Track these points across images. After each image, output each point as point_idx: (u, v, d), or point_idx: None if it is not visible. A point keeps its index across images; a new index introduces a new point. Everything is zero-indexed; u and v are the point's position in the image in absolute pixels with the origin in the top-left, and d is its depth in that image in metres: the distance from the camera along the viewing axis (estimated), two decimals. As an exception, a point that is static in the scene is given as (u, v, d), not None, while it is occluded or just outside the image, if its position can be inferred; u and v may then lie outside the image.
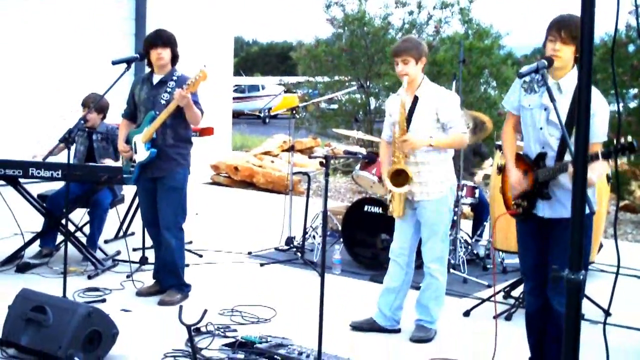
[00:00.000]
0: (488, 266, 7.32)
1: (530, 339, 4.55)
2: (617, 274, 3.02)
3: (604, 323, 3.39)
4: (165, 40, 5.98)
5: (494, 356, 4.59)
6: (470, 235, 7.82)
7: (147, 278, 6.45)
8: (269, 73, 47.94)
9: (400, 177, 5.20)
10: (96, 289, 6.18)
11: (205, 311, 4.82)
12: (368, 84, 12.06)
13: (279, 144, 16.89)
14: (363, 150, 7.82)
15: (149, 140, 5.85)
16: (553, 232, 4.23)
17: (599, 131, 4.10)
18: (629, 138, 3.57)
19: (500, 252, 7.44)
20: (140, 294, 6.14)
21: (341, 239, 7.43)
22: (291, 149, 7.96)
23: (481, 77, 11.75)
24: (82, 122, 6.73)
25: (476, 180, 7.62)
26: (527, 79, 4.31)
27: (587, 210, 4.00)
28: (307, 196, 7.82)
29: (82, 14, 11.90)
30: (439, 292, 5.38)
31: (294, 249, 7.59)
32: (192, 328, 4.59)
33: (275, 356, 4.72)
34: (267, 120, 34.38)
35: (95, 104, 6.91)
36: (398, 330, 5.47)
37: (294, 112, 7.77)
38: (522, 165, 4.36)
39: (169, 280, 6.07)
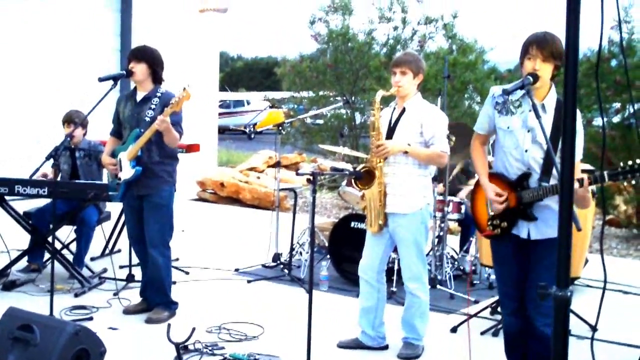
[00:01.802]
0: (474, 282, 7.34)
1: (510, 358, 4.52)
2: (604, 289, 3.03)
3: (592, 338, 3.42)
4: (137, 54, 5.97)
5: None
6: (457, 250, 7.84)
7: (134, 296, 6.43)
8: (254, 88, 47.98)
9: (369, 180, 5.21)
10: (83, 307, 6.16)
11: (194, 329, 4.82)
12: (353, 99, 12.09)
13: (265, 159, 16.89)
14: (349, 166, 7.83)
15: (134, 158, 5.84)
16: (535, 251, 4.18)
17: (580, 149, 4.12)
18: (638, 160, 3.59)
19: (487, 268, 7.49)
20: (127, 312, 6.12)
21: (328, 256, 7.42)
22: (277, 164, 7.96)
23: (465, 93, 11.80)
24: (69, 139, 6.78)
25: (460, 196, 7.64)
26: (501, 99, 4.29)
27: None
28: (294, 212, 7.82)
29: (66, 29, 11.88)
30: (422, 309, 5.37)
31: (281, 266, 7.58)
32: (180, 346, 4.56)
33: (264, 374, 4.73)
34: (252, 136, 34.39)
35: (82, 120, 6.91)
36: (386, 347, 5.47)
37: (280, 128, 7.76)
38: (501, 186, 4.26)
39: (156, 298, 6.05)
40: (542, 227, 4.13)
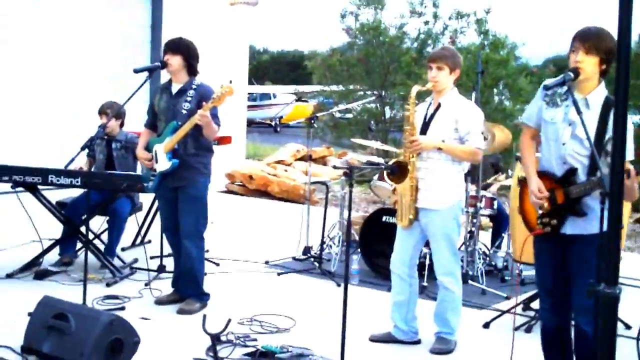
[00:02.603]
0: (506, 278, 7.30)
1: (548, 355, 4.47)
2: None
3: (638, 338, 3.38)
4: (173, 46, 5.98)
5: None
6: (489, 246, 7.79)
7: (165, 286, 6.45)
8: (280, 82, 48.03)
9: (402, 175, 5.18)
10: (115, 297, 6.18)
11: (229, 321, 4.82)
12: (383, 93, 12.06)
13: (292, 152, 16.91)
14: (381, 160, 7.82)
15: (170, 151, 5.85)
16: (573, 248, 4.12)
17: (629, 150, 4.04)
18: None
19: (519, 264, 7.44)
20: (159, 302, 6.14)
21: (359, 249, 7.41)
22: (309, 158, 7.93)
23: (496, 88, 11.73)
24: (102, 129, 6.81)
25: (492, 191, 7.59)
26: (550, 92, 4.25)
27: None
28: (326, 206, 7.81)
29: (98, 21, 11.93)
30: (455, 303, 5.35)
31: (312, 259, 7.58)
32: (215, 337, 4.57)
33: (297, 366, 4.72)
34: (278, 129, 34.42)
35: (115, 111, 6.94)
36: (418, 342, 5.46)
37: (312, 121, 7.74)
38: (548, 182, 4.21)
39: (188, 289, 6.07)
40: (579, 223, 4.08)
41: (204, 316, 4.73)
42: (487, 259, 7.46)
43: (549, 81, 4.10)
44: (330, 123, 12.70)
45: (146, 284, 6.54)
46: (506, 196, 7.93)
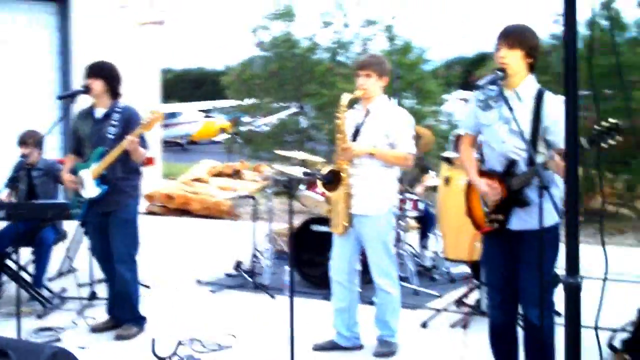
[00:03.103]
0: (435, 277, 7.45)
1: (497, 352, 4.57)
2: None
3: (596, 327, 3.51)
4: (94, 70, 5.92)
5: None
6: (416, 247, 7.93)
7: (98, 314, 6.34)
8: (186, 99, 47.67)
9: (336, 183, 5.26)
10: (49, 329, 6.05)
11: (180, 343, 4.80)
12: (296, 104, 12.14)
13: (207, 169, 16.80)
14: (298, 170, 7.89)
15: (98, 177, 5.78)
16: (521, 244, 4.24)
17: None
18: (611, 120, 3.55)
19: (446, 262, 7.61)
20: (95, 330, 6.04)
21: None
22: (234, 173, 7.95)
23: (409, 92, 11.95)
24: (24, 159, 6.71)
25: (418, 193, 7.74)
26: (482, 97, 4.37)
27: (557, 219, 4.12)
28: (255, 219, 7.80)
29: (1, 48, 11.63)
30: (393, 305, 5.44)
31: (244, 274, 7.57)
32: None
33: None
34: (187, 147, 34.17)
35: (36, 140, 6.84)
36: (361, 347, 5.52)
37: (236, 135, 7.77)
38: (490, 179, 4.33)
39: (125, 314, 6.00)
40: (525, 218, 4.18)
41: (153, 340, 4.72)
42: (417, 259, 7.59)
43: (480, 81, 4.21)
44: (246, 137, 12.65)
45: (79, 313, 6.43)
46: (430, 197, 8.06)
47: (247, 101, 13.17)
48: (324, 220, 7.17)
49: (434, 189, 7.58)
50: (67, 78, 11.97)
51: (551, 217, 4.04)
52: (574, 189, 2.39)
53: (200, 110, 35.10)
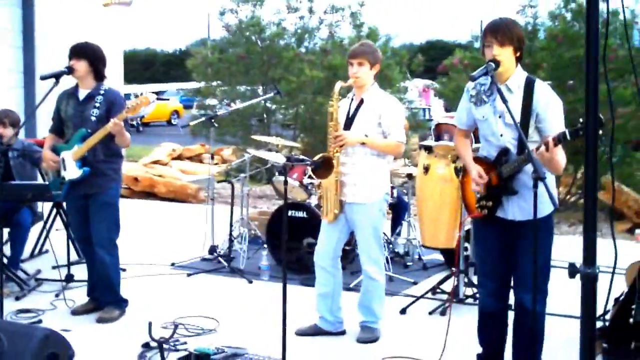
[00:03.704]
0: (408, 263, 7.57)
1: (485, 338, 4.69)
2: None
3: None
4: (78, 51, 5.88)
5: (443, 350, 4.80)
6: (389, 234, 8.03)
7: (75, 296, 6.34)
8: (134, 81, 47.25)
9: (327, 170, 5.33)
10: (28, 310, 6.03)
11: (177, 326, 4.83)
12: (262, 88, 12.14)
13: (168, 152, 16.78)
14: (278, 156, 7.93)
15: (80, 159, 5.76)
16: (518, 233, 4.35)
17: (557, 123, 4.25)
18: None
19: (418, 249, 7.74)
20: (75, 312, 6.03)
21: (265, 245, 7.49)
22: (211, 157, 7.98)
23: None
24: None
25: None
26: (474, 92, 4.49)
27: (551, 208, 4.24)
28: (232, 203, 7.82)
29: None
30: (379, 292, 5.53)
31: (219, 258, 7.60)
32: (163, 343, 4.54)
33: (235, 366, 4.78)
34: (140, 129, 33.91)
35: (12, 120, 6.78)
36: (343, 332, 5.60)
37: (212, 120, 7.78)
38: (483, 166, 4.43)
39: (106, 297, 6.00)
40: (525, 208, 4.27)
41: (150, 323, 4.71)
42: (391, 246, 7.69)
43: (474, 73, 4.30)
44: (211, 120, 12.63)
45: (57, 295, 6.41)
46: (402, 185, 8.16)
47: (205, 84, 13.07)
48: (302, 206, 7.25)
49: (408, 176, 7.69)
50: (31, 57, 11.81)
51: (547, 206, 4.17)
52: (592, 181, 2.49)
53: (152, 92, 34.83)
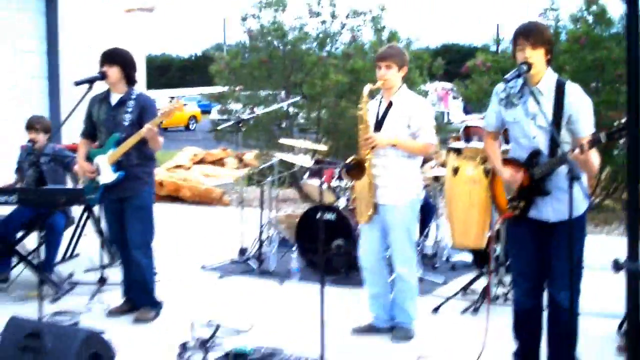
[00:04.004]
0: (437, 265, 7.62)
1: (521, 336, 4.74)
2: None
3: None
4: (110, 57, 6.00)
5: (483, 349, 4.83)
6: (418, 236, 8.06)
7: (109, 298, 6.42)
8: (151, 86, 47.52)
9: (358, 172, 5.38)
10: (64, 313, 6.11)
11: (218, 327, 4.89)
12: (284, 94, 12.20)
13: (190, 156, 16.90)
14: (306, 159, 8.00)
15: (115, 163, 5.85)
16: (554, 232, 4.39)
17: (588, 124, 4.33)
18: None
19: (446, 250, 7.79)
20: (111, 313, 6.12)
21: (294, 247, 7.55)
22: (240, 161, 8.02)
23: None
24: (32, 145, 6.75)
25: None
26: (504, 94, 4.53)
27: (585, 206, 4.29)
28: (261, 206, 7.89)
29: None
30: (412, 293, 5.58)
31: (248, 260, 7.68)
32: (206, 343, 4.60)
33: (273, 365, 4.84)
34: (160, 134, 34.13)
35: (44, 125, 6.91)
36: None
37: (240, 125, 7.88)
38: (513, 168, 4.49)
39: (142, 299, 6.09)
40: (559, 209, 4.32)
41: (192, 323, 4.78)
42: (419, 248, 7.73)
43: (507, 75, 4.35)
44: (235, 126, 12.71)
45: (91, 297, 6.49)
46: (430, 187, 8.19)
47: (229, 89, 13.14)
48: (329, 209, 7.31)
49: (436, 179, 7.74)
50: (53, 61, 11.90)
51: (582, 206, 4.23)
52: (634, 178, 2.53)
53: (170, 97, 35.01)
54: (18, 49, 11.78)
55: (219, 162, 17.26)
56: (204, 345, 4.51)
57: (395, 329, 5.59)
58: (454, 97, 27.58)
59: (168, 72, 64.54)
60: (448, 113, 25.79)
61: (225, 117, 13.61)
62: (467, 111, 23.04)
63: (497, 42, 11.65)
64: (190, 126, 37.76)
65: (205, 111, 39.17)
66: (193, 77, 53.10)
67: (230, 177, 14.99)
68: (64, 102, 11.08)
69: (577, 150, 4.10)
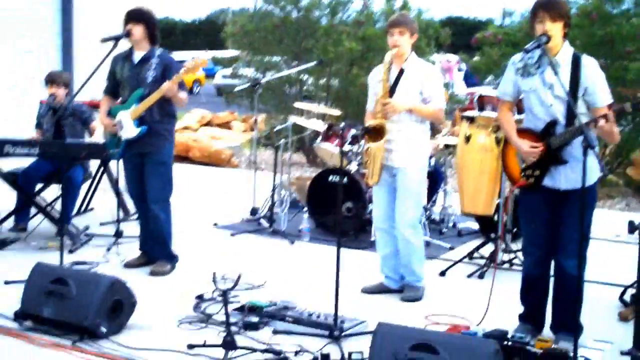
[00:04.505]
0: (444, 230, 7.80)
1: (527, 301, 4.93)
2: None
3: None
4: (135, 16, 6.11)
5: (487, 307, 5.02)
6: (426, 202, 8.24)
7: (126, 250, 6.60)
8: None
9: (377, 135, 5.53)
10: (83, 263, 6.28)
11: (240, 276, 5.06)
12: (295, 59, 12.31)
13: (198, 118, 17.02)
14: (320, 123, 8.18)
15: (137, 118, 6.00)
16: (566, 201, 4.55)
17: (605, 95, 4.50)
18: None
19: (453, 217, 7.97)
20: (128, 265, 6.30)
21: (305, 209, 7.72)
22: (254, 122, 8.17)
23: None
24: (52, 99, 6.89)
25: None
26: (521, 64, 4.68)
27: (598, 175, 4.45)
28: (275, 167, 8.03)
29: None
30: (418, 253, 5.73)
31: (260, 219, 7.86)
32: (226, 292, 4.74)
33: (287, 318, 5.01)
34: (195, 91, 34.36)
35: (64, 80, 7.09)
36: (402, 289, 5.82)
37: (256, 86, 8.02)
38: (529, 138, 4.63)
39: (158, 251, 6.26)
40: (571, 177, 4.49)
41: (214, 274, 4.95)
42: (427, 213, 7.90)
43: (528, 45, 4.50)
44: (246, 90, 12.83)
45: (108, 249, 6.67)
46: (440, 155, 8.34)
47: (242, 53, 13.25)
48: (339, 172, 7.45)
49: (446, 146, 7.91)
50: (69, 34, 11.92)
51: (595, 175, 4.40)
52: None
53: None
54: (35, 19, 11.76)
55: (226, 125, 17.38)
56: (225, 294, 4.65)
57: (405, 288, 5.75)
58: (459, 70, 27.61)
59: (171, 35, 64.23)
60: (453, 84, 25.79)
61: (229, 81, 13.66)
62: (467, 83, 23.07)
63: (506, 14, 11.69)
64: (195, 89, 37.78)
65: (209, 75, 39.12)
66: (197, 41, 52.91)
67: (238, 139, 15.15)
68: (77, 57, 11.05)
69: (601, 121, 4.25)
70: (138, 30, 6.06)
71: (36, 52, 10.71)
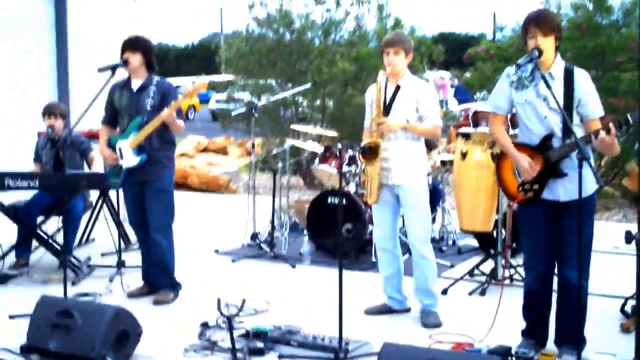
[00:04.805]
0: (444, 248, 7.84)
1: (530, 316, 4.96)
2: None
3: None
4: (132, 45, 6.16)
5: (492, 324, 5.05)
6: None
7: (128, 280, 6.61)
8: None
9: (372, 155, 5.57)
10: (86, 294, 6.31)
11: (244, 301, 5.09)
12: (291, 81, 12.37)
13: (194, 145, 17.02)
14: (317, 145, 8.22)
15: (137, 147, 6.04)
16: (565, 213, 4.59)
17: (597, 108, 4.59)
18: None
19: (453, 234, 8.01)
20: (131, 295, 6.32)
21: (305, 232, 7.75)
22: (252, 146, 8.21)
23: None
24: (52, 131, 6.94)
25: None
26: (515, 77, 4.75)
27: (595, 186, 4.50)
28: (274, 192, 8.07)
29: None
30: (434, 272, 5.73)
31: (262, 244, 7.89)
32: (231, 318, 4.77)
33: (292, 342, 5.04)
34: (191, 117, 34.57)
35: (62, 111, 7.14)
36: (409, 309, 5.86)
37: (252, 111, 8.08)
38: (527, 153, 4.67)
39: (161, 280, 6.28)
40: (571, 188, 4.52)
41: (218, 299, 4.97)
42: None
43: (520, 60, 4.57)
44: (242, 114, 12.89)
45: (110, 280, 6.69)
46: (437, 173, 8.38)
47: (237, 77, 13.31)
48: (338, 193, 7.49)
49: (443, 163, 7.96)
50: (64, 54, 12.01)
51: (592, 186, 4.45)
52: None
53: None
54: (28, 37, 11.87)
55: (222, 151, 17.40)
56: (230, 321, 4.68)
57: (425, 315, 5.67)
58: (452, 86, 27.74)
59: (165, 61, 64.46)
60: (447, 101, 25.91)
61: (224, 105, 13.71)
62: (459, 99, 23.18)
63: (497, 30, 11.79)
64: (190, 115, 37.88)
65: (204, 101, 39.23)
66: (190, 67, 53.07)
67: (235, 165, 15.18)
68: (73, 93, 11.14)
69: (602, 133, 4.30)
70: (135, 59, 6.11)
71: (36, 52, 10.85)
